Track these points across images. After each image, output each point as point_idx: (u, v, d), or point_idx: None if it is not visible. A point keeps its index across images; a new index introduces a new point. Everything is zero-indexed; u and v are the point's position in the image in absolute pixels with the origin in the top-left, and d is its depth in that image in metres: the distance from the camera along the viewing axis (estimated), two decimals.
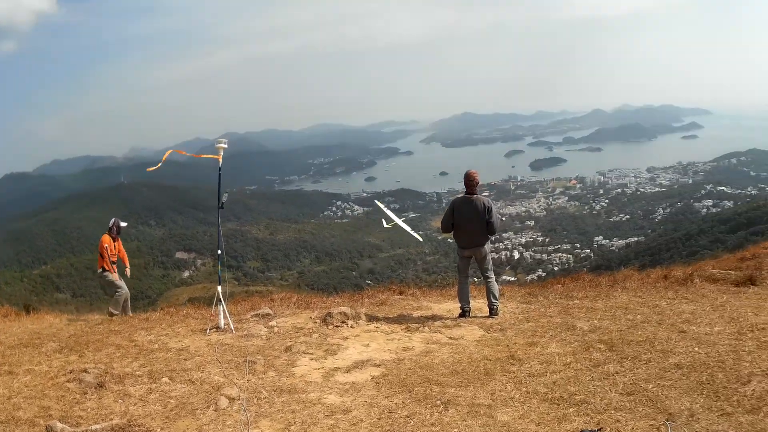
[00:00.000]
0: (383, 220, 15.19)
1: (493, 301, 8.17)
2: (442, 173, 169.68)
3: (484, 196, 8.44)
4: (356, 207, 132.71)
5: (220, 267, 8.37)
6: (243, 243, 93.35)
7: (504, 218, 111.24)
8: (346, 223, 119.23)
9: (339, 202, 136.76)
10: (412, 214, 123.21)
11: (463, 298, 8.41)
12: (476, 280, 9.44)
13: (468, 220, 8.14)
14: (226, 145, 8.09)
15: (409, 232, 16.38)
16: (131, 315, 10.14)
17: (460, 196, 8.42)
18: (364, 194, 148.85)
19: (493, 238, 8.94)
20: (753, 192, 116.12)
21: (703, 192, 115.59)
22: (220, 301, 7.89)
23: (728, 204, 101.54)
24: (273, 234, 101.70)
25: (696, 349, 5.80)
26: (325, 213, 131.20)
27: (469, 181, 8.17)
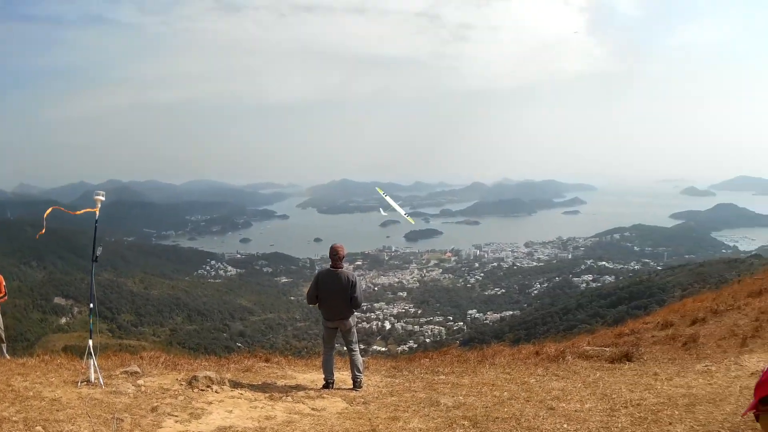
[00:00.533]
0: (380, 208, 16.60)
1: (357, 374, 8.46)
2: (317, 239, 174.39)
3: (349, 269, 8.96)
4: (230, 268, 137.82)
5: (91, 321, 8.67)
6: (118, 294, 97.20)
7: (376, 288, 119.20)
8: (219, 283, 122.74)
9: (213, 262, 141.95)
10: (284, 279, 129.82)
11: (327, 370, 8.71)
12: (343, 350, 9.59)
13: (332, 293, 8.60)
14: (103, 198, 8.59)
15: (405, 218, 18.28)
16: (8, 358, 10.40)
17: (325, 268, 8.91)
18: (239, 255, 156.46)
19: (357, 312, 9.27)
20: (636, 267, 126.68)
21: (583, 267, 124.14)
22: (91, 355, 8.14)
23: (609, 279, 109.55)
24: (147, 288, 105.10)
25: (565, 426, 5.98)
26: (199, 271, 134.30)
27: (334, 254, 8.69)
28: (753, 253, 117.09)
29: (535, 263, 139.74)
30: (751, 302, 14.13)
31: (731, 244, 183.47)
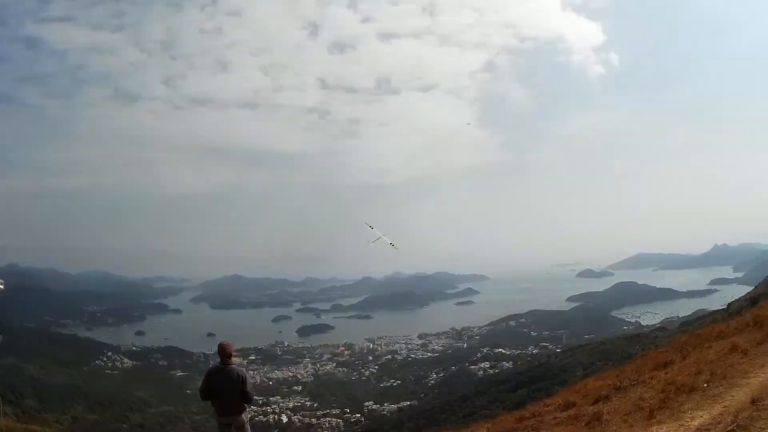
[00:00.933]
0: (368, 240, 21.89)
1: None
2: (210, 334, 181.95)
3: (239, 365, 9.95)
4: (126, 360, 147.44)
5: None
6: (21, 380, 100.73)
7: (271, 382, 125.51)
8: (117, 374, 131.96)
9: (110, 353, 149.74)
10: (179, 372, 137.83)
11: None
12: None
13: (223, 389, 9.41)
14: (2, 286, 8.99)
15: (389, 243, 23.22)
16: None
17: (214, 365, 9.83)
18: (134, 348, 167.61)
19: (250, 407, 10.05)
20: (534, 351, 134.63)
21: (479, 355, 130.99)
22: None
23: (507, 365, 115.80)
24: (49, 375, 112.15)
25: None
26: (97, 362, 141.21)
27: (222, 352, 9.62)
28: (657, 326, 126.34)
29: (429, 354, 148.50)
30: (656, 375, 14.45)
31: (633, 320, 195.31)
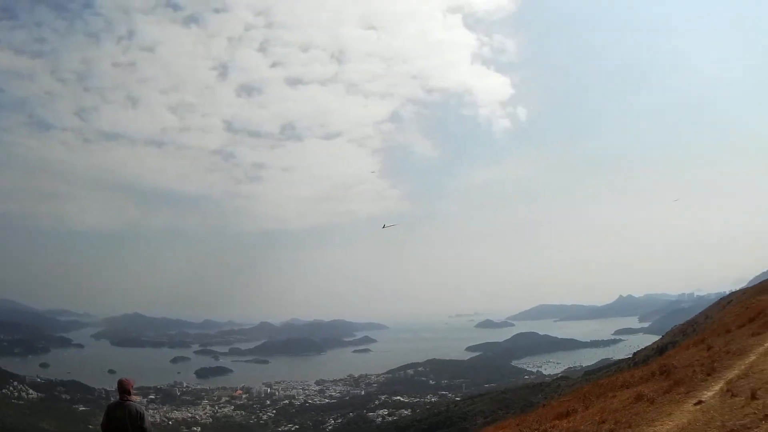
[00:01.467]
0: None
1: None
2: (111, 371, 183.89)
3: (138, 402, 10.42)
4: (31, 391, 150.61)
5: None
6: None
7: (170, 422, 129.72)
8: (22, 404, 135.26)
9: (16, 383, 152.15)
10: (82, 407, 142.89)
11: None
12: None
13: (122, 425, 9.89)
14: None
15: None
16: None
17: (114, 401, 10.32)
18: (38, 380, 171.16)
19: None
20: (433, 399, 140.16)
21: (377, 402, 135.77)
22: None
23: (406, 412, 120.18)
24: None
25: None
26: (3, 391, 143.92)
27: (121, 388, 10.18)
28: (559, 375, 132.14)
29: (327, 400, 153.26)
30: (558, 424, 14.90)
31: (534, 369, 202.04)
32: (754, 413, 10.61)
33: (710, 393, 14.18)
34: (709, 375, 16.14)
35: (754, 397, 11.71)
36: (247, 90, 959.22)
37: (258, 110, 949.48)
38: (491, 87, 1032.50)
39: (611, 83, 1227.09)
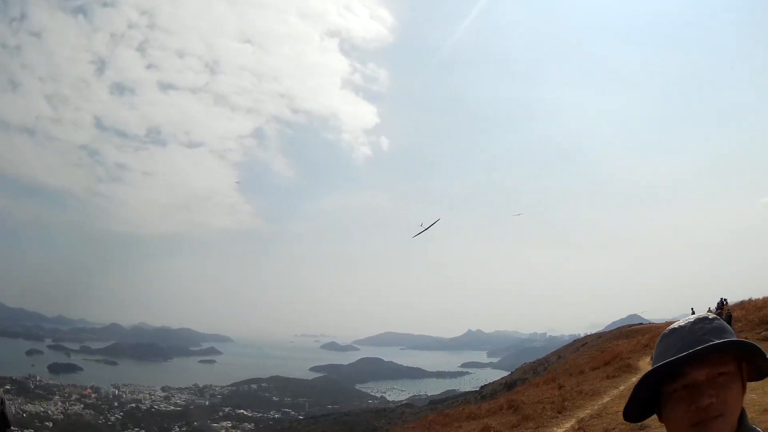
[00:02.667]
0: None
1: None
2: None
3: None
4: None
5: None
6: None
7: (24, 415, 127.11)
8: None
9: None
10: None
11: None
12: None
13: None
14: None
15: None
16: None
17: None
18: None
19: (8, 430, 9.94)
20: (276, 416, 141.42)
21: (221, 414, 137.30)
22: None
23: (249, 426, 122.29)
24: None
25: None
26: None
27: None
28: (404, 402, 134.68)
29: (173, 407, 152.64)
30: None
31: (378, 395, 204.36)
32: None
33: (560, 430, 14.19)
34: (559, 413, 16.28)
35: None
36: (120, 89, 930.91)
37: (128, 110, 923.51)
38: (357, 114, 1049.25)
39: (480, 123, 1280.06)
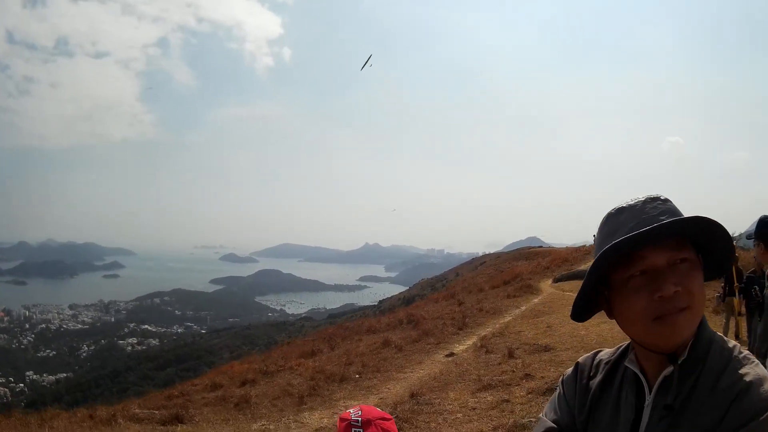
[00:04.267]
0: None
1: None
2: None
3: None
4: None
5: None
6: None
7: None
8: None
9: None
10: None
11: None
12: None
13: None
14: None
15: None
16: None
17: None
18: None
19: None
20: (179, 330, 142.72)
21: (126, 330, 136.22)
22: None
23: (154, 342, 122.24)
24: None
25: None
26: None
27: None
28: (303, 316, 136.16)
29: (80, 326, 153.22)
30: (303, 363, 14.68)
31: (278, 308, 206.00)
32: (513, 371, 10.66)
33: (462, 347, 14.35)
34: (460, 330, 16.45)
35: (511, 356, 11.84)
36: (33, 1, 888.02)
37: (39, 22, 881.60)
38: (261, 24, 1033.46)
39: (383, 41, 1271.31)
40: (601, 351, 1.96)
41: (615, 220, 1.75)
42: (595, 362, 1.91)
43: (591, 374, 1.89)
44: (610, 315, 1.80)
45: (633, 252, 1.65)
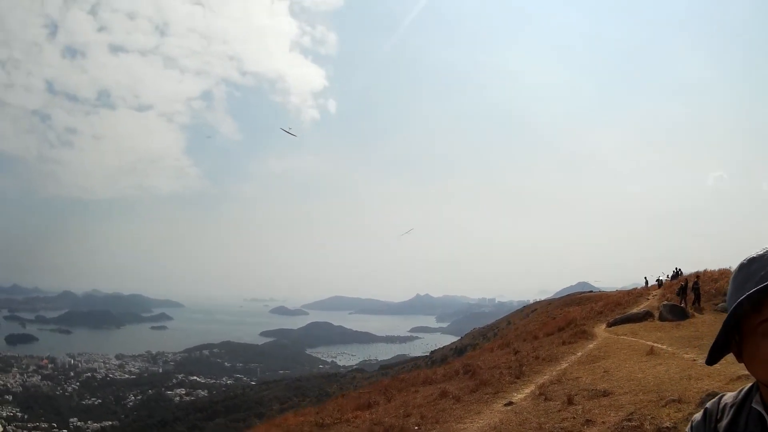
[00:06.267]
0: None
1: None
2: None
3: None
4: None
5: None
6: None
7: None
8: None
9: None
10: None
11: None
12: None
13: None
14: None
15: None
16: None
17: None
18: None
19: None
20: (228, 381, 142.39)
21: (174, 381, 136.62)
22: None
23: (203, 393, 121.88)
24: None
25: None
26: None
27: None
28: (354, 367, 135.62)
29: (127, 375, 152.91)
30: (360, 415, 14.62)
31: (329, 359, 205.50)
32: (573, 418, 10.59)
33: (521, 396, 14.27)
34: (518, 378, 16.35)
35: (571, 402, 11.80)
36: (72, 52, 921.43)
37: (79, 74, 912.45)
38: (305, 76, 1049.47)
39: (427, 88, 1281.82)
40: (725, 395, 2.04)
41: (746, 270, 1.85)
42: (721, 406, 2.00)
43: (718, 418, 1.98)
44: (739, 358, 1.90)
45: (763, 299, 1.74)
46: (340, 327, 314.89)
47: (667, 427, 8.41)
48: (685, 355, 16.17)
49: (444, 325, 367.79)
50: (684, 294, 30.70)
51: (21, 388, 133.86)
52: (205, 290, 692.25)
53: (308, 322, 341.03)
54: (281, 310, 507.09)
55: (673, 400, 10.16)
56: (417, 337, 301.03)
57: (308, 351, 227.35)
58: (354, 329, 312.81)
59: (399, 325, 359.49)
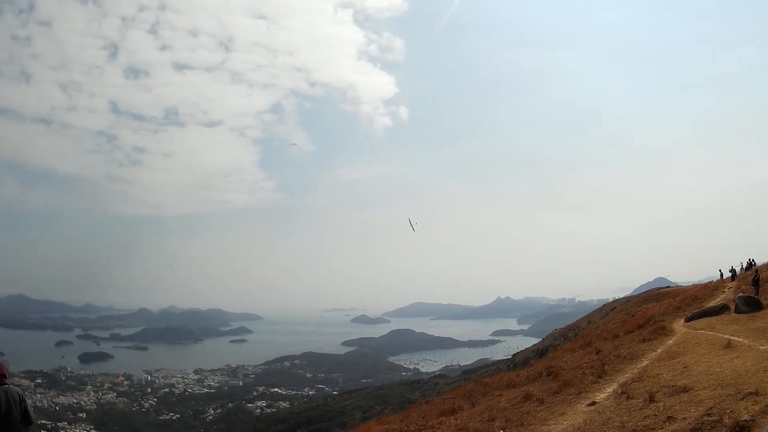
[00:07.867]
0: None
1: None
2: None
3: (15, 386, 9.75)
4: None
5: None
6: None
7: (57, 407, 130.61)
8: None
9: None
10: None
11: None
12: None
13: (7, 409, 9.20)
14: None
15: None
16: None
17: None
18: None
19: (30, 427, 9.85)
20: (310, 392, 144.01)
21: (255, 393, 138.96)
22: None
23: (284, 404, 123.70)
24: None
25: None
26: None
27: None
28: (437, 373, 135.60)
29: (206, 390, 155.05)
30: (445, 421, 14.89)
31: (411, 366, 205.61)
32: (655, 415, 10.76)
33: (603, 395, 14.41)
34: (600, 378, 16.44)
35: (652, 400, 11.93)
36: (135, 72, 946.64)
37: (143, 93, 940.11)
38: (375, 84, 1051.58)
39: (496, 90, 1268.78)
40: None
41: None
42: None
43: None
44: None
45: None
46: (422, 333, 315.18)
47: (745, 420, 8.57)
48: (761, 347, 16.09)
49: (525, 327, 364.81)
50: (758, 285, 30.94)
51: (95, 406, 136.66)
52: (283, 302, 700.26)
53: (390, 330, 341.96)
54: (362, 319, 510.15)
55: (751, 393, 10.27)
56: (499, 341, 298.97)
57: (390, 359, 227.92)
58: (436, 335, 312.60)
59: (480, 329, 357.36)
